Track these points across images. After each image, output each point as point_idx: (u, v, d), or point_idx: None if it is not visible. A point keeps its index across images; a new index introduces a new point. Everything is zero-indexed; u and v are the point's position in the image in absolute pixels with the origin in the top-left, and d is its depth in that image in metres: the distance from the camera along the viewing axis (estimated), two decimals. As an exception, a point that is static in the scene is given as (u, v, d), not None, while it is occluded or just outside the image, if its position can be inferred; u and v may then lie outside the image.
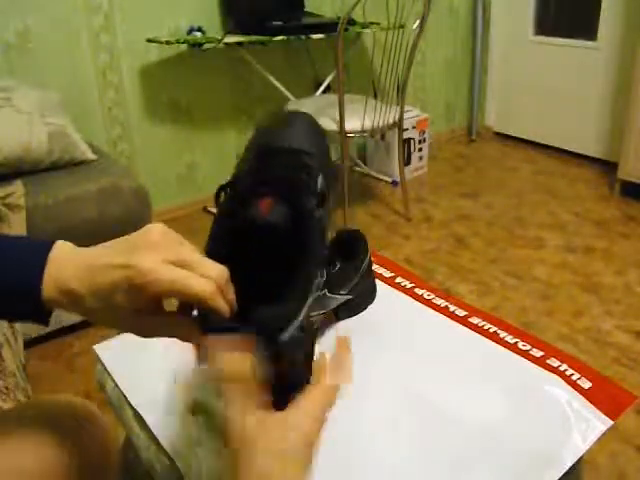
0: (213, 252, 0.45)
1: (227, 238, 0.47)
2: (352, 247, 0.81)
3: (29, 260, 0.44)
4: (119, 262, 0.42)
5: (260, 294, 0.44)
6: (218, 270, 0.42)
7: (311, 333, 0.46)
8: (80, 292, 0.43)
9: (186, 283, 0.41)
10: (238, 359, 0.41)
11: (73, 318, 1.71)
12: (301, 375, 0.45)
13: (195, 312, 0.45)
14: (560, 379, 0.68)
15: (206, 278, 0.41)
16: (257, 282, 0.46)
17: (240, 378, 0.42)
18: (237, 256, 0.46)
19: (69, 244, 0.46)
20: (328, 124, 2.20)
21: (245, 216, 0.47)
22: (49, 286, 0.43)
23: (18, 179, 1.64)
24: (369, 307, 0.83)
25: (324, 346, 0.74)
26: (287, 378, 0.43)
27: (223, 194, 0.49)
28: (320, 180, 0.49)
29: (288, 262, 0.45)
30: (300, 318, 0.43)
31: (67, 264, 0.44)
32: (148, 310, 0.44)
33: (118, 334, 0.79)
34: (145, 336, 0.46)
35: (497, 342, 0.75)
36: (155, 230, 0.45)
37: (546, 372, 0.69)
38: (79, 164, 1.79)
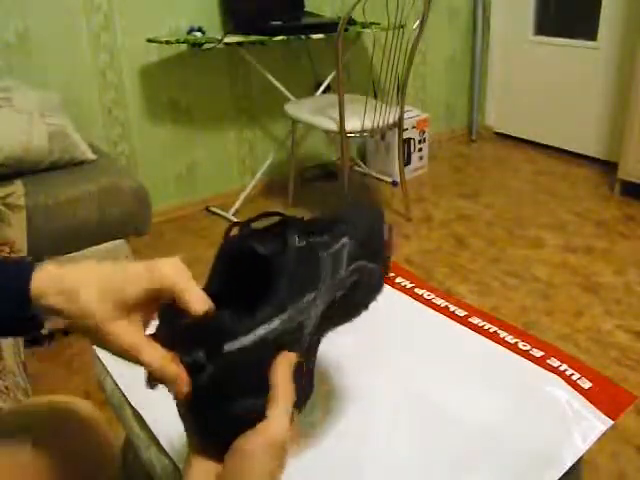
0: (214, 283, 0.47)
1: (228, 269, 0.48)
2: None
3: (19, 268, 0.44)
4: (141, 265, 0.44)
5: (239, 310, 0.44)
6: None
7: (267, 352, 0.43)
8: (82, 285, 0.43)
9: (197, 295, 0.43)
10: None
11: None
12: (249, 406, 0.41)
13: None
14: (560, 379, 0.68)
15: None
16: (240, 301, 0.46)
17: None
18: (232, 283, 0.47)
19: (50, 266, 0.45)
20: (328, 124, 2.20)
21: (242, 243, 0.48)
22: (41, 278, 0.43)
23: (18, 179, 1.64)
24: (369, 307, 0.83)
25: (323, 346, 0.74)
26: (232, 404, 0.41)
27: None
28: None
29: (265, 288, 0.46)
30: (249, 336, 0.41)
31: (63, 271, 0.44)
32: (139, 314, 0.44)
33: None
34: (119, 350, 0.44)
35: (497, 342, 0.75)
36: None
37: (546, 372, 0.69)
38: (79, 164, 1.79)
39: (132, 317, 0.43)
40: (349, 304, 0.53)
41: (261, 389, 0.42)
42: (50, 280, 0.43)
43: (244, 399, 0.42)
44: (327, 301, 0.48)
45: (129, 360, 0.43)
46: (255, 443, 0.39)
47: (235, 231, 0.49)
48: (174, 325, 0.43)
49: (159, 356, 0.42)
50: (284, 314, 0.44)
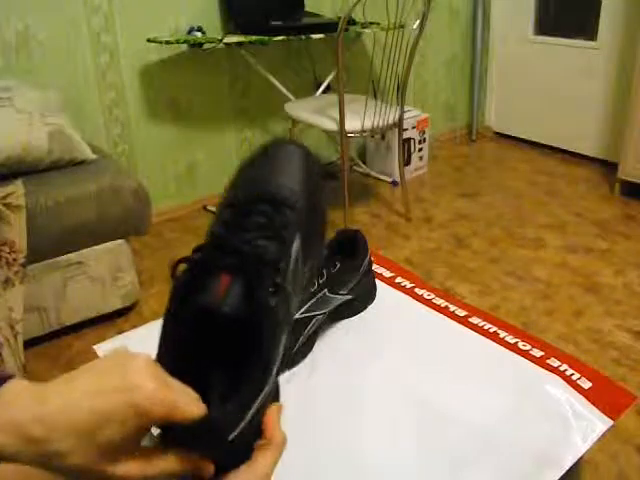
0: (167, 340, 0.42)
1: (180, 325, 0.43)
2: (352, 247, 0.81)
3: None
4: (116, 384, 0.36)
5: (214, 387, 0.43)
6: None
7: (257, 421, 0.42)
8: (48, 433, 0.34)
9: (187, 402, 0.38)
10: None
11: (74, 317, 1.72)
12: (242, 457, 0.43)
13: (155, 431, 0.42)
14: (560, 379, 0.68)
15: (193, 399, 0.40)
16: (210, 375, 0.44)
17: None
18: (191, 346, 0.43)
19: (23, 382, 0.37)
20: (328, 124, 2.20)
21: (198, 301, 0.42)
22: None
23: (18, 179, 1.64)
24: (369, 307, 0.83)
25: (324, 346, 0.75)
26: (229, 466, 0.42)
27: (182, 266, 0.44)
28: (294, 249, 0.45)
29: (242, 352, 0.43)
30: (249, 415, 0.41)
31: (25, 401, 0.35)
32: (129, 445, 0.38)
33: (118, 334, 0.79)
34: None
35: (497, 342, 0.75)
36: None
37: (546, 372, 0.69)
38: (79, 164, 1.79)
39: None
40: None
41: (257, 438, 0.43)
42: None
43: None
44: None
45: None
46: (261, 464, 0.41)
47: (182, 268, 0.43)
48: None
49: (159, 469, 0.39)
50: (271, 377, 0.42)
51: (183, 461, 0.39)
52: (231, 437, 0.40)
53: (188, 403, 0.38)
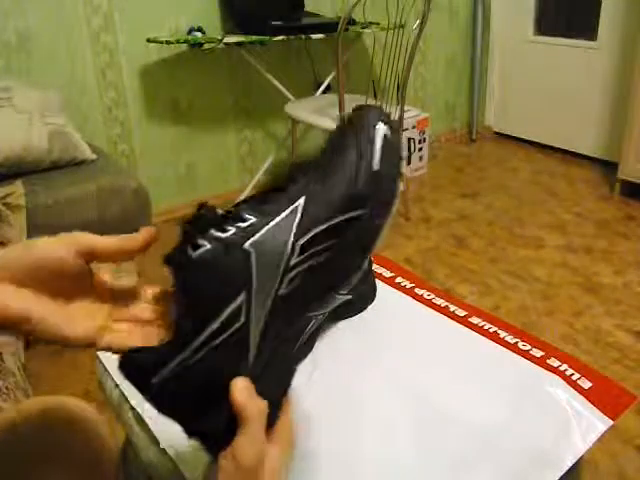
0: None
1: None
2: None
3: None
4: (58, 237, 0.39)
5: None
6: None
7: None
8: None
9: (123, 237, 0.41)
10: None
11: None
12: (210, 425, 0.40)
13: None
14: (560, 379, 0.68)
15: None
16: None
17: None
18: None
19: None
20: (328, 124, 2.20)
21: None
22: None
23: (18, 179, 1.64)
24: (369, 307, 0.83)
25: (324, 346, 0.74)
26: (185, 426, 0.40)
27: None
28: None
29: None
30: (171, 365, 0.38)
31: None
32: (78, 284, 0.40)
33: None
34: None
35: (497, 342, 0.75)
36: None
37: (546, 372, 0.69)
38: (79, 164, 1.79)
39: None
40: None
41: (215, 407, 0.39)
42: None
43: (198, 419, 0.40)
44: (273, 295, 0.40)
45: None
46: (226, 469, 0.39)
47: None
48: None
49: None
50: (200, 336, 0.38)
51: None
52: (154, 380, 0.38)
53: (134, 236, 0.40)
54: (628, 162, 2.57)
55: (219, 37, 2.19)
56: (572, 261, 2.14)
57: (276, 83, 2.53)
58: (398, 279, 0.90)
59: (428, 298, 0.85)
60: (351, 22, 2.38)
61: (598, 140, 3.05)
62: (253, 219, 0.40)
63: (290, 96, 2.55)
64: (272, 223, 0.40)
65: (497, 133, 3.61)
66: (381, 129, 0.43)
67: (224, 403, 0.38)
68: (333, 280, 0.44)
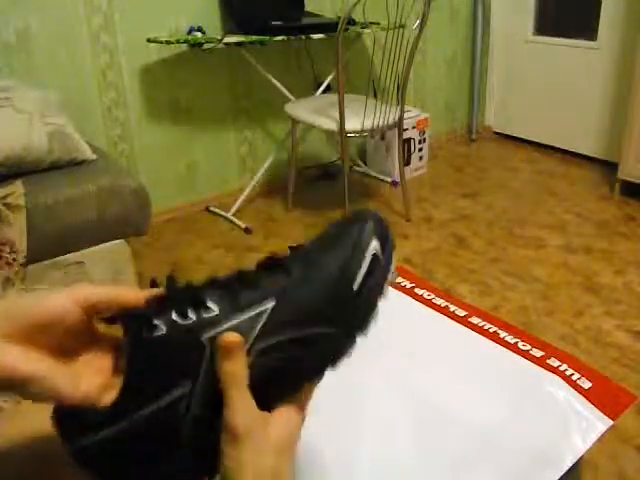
0: None
1: None
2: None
3: None
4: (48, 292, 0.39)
5: None
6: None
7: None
8: None
9: (120, 288, 0.40)
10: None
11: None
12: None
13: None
14: (560, 379, 0.68)
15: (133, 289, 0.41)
16: None
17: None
18: None
19: None
20: (328, 124, 2.20)
21: None
22: None
23: (18, 179, 1.64)
24: (369, 307, 0.83)
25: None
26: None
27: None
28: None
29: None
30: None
31: None
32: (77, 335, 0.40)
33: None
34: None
35: (497, 342, 0.75)
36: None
37: (546, 372, 0.69)
38: (79, 164, 1.79)
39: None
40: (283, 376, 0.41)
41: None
42: None
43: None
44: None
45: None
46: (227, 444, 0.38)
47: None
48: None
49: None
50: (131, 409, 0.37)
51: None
52: (91, 438, 0.37)
53: (131, 291, 0.40)
54: (628, 162, 2.57)
55: (219, 37, 2.19)
56: (572, 261, 2.14)
57: (276, 83, 2.53)
58: (398, 279, 0.90)
59: (428, 298, 0.85)
60: (351, 22, 2.38)
61: (598, 140, 3.05)
62: (216, 311, 0.38)
63: (290, 96, 2.55)
64: (234, 321, 0.38)
65: (497, 133, 3.61)
66: (372, 247, 0.42)
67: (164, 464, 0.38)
68: (296, 381, 0.42)
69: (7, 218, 1.50)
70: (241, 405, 0.38)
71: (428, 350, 0.74)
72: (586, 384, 0.68)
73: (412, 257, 2.20)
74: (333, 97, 2.32)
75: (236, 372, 0.38)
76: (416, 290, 0.87)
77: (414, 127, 2.92)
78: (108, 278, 1.75)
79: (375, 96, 2.72)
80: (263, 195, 2.79)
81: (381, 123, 2.23)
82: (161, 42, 2.16)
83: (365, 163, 3.09)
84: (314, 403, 0.65)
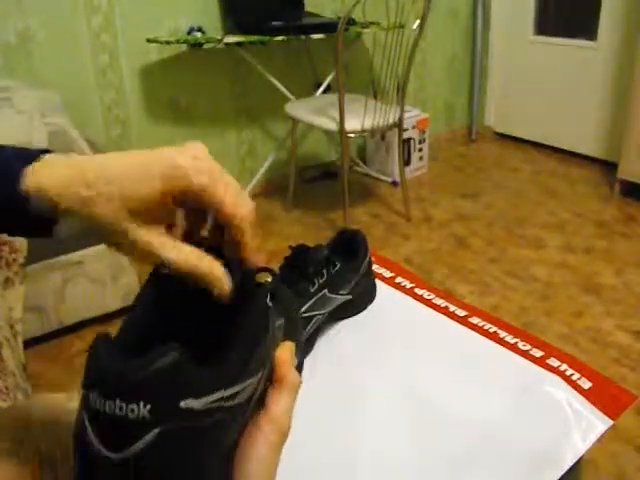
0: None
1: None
2: (352, 247, 0.81)
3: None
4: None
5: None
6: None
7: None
8: (97, 178, 0.36)
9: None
10: None
11: (74, 317, 1.72)
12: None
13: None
14: (560, 379, 0.68)
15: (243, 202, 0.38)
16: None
17: None
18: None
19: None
20: (328, 124, 2.20)
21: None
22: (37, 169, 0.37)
23: (18, 179, 1.64)
24: (369, 307, 0.83)
25: (324, 346, 0.75)
26: None
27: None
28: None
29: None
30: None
31: (79, 156, 0.39)
32: (155, 214, 0.38)
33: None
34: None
35: (497, 342, 0.75)
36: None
37: (546, 372, 0.69)
38: (79, 164, 1.79)
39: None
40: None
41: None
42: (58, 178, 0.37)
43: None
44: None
45: (146, 261, 0.37)
46: (268, 434, 0.35)
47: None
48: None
49: (188, 250, 0.37)
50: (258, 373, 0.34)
51: (193, 255, 0.37)
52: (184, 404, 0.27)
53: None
54: (628, 162, 2.57)
55: (219, 37, 2.19)
56: (572, 261, 2.14)
57: (276, 83, 2.53)
58: (398, 279, 0.90)
59: (428, 298, 0.85)
60: (351, 22, 2.38)
61: (598, 140, 3.05)
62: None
63: (290, 96, 2.55)
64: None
65: (497, 133, 3.62)
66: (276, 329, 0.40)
67: None
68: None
69: (7, 218, 1.50)
70: None
71: (428, 350, 0.74)
72: (586, 384, 0.68)
73: (412, 257, 2.20)
74: (333, 97, 2.32)
75: None
76: (416, 290, 0.87)
77: (414, 127, 2.92)
78: (108, 278, 1.75)
79: (375, 96, 2.72)
80: (263, 195, 2.79)
81: (381, 123, 2.23)
82: (161, 42, 2.16)
83: (365, 163, 3.09)
84: (314, 404, 0.65)
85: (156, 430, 0.26)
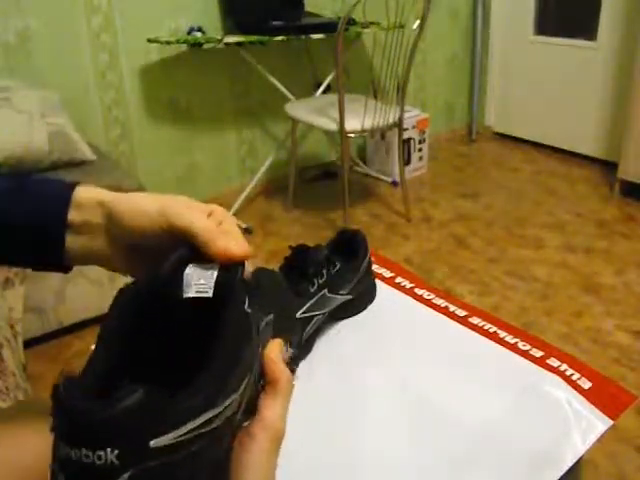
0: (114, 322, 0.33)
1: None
2: (352, 247, 0.81)
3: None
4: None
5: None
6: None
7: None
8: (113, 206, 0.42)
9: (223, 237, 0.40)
10: None
11: (73, 318, 1.72)
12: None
13: None
14: (560, 379, 0.68)
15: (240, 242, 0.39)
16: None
17: None
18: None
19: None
20: (328, 124, 2.20)
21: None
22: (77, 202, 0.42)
23: (18, 179, 1.63)
24: (369, 307, 0.83)
25: (323, 346, 0.75)
26: None
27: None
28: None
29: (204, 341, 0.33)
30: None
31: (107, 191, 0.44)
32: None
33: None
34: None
35: (497, 342, 0.75)
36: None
37: (546, 372, 0.69)
38: (79, 164, 1.79)
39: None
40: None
41: None
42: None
43: None
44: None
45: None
46: (261, 439, 0.34)
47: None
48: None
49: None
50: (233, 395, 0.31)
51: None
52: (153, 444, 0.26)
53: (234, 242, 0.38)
54: (628, 162, 2.57)
55: (219, 37, 2.19)
56: (572, 261, 2.14)
57: (276, 83, 2.53)
58: (398, 279, 0.90)
59: (428, 298, 0.85)
60: (351, 22, 2.38)
61: (598, 140, 3.05)
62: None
63: (290, 96, 2.55)
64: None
65: (497, 133, 3.62)
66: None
67: None
68: None
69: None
70: None
71: (428, 350, 0.74)
72: (586, 384, 0.68)
73: (412, 257, 2.20)
74: (333, 97, 2.32)
75: None
76: (416, 290, 0.87)
77: (414, 127, 2.93)
78: (106, 279, 1.75)
79: (375, 96, 2.72)
80: (263, 195, 2.79)
81: (381, 123, 2.23)
82: (161, 42, 2.16)
83: (365, 163, 3.09)
84: (314, 404, 0.65)
85: (125, 475, 0.25)
